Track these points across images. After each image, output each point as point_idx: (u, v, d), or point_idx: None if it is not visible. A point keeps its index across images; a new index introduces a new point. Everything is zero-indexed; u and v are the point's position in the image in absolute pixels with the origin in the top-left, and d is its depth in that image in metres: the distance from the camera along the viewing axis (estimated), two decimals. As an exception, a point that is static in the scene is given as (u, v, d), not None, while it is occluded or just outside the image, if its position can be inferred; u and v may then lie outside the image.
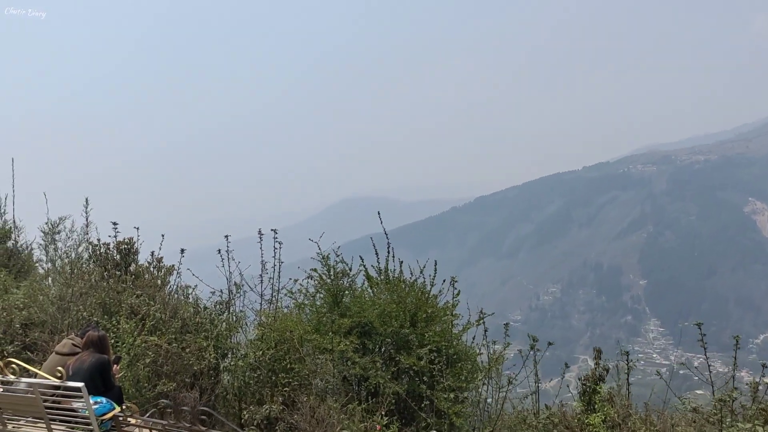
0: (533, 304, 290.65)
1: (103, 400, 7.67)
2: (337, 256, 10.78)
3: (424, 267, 10.79)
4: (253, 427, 8.15)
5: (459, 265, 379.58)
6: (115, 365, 8.32)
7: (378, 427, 8.16)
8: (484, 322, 10.43)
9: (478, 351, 10.43)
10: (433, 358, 9.45)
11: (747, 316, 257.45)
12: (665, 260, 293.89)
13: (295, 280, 11.44)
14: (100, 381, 8.06)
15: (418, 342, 9.75)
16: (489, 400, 10.02)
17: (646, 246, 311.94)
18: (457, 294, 10.69)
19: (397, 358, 9.65)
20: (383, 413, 8.84)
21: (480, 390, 10.23)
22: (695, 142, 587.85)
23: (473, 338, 10.73)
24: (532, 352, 10.12)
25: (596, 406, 7.55)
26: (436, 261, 10.65)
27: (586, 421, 7.82)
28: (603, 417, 7.48)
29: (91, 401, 7.27)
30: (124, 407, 7.71)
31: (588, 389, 7.72)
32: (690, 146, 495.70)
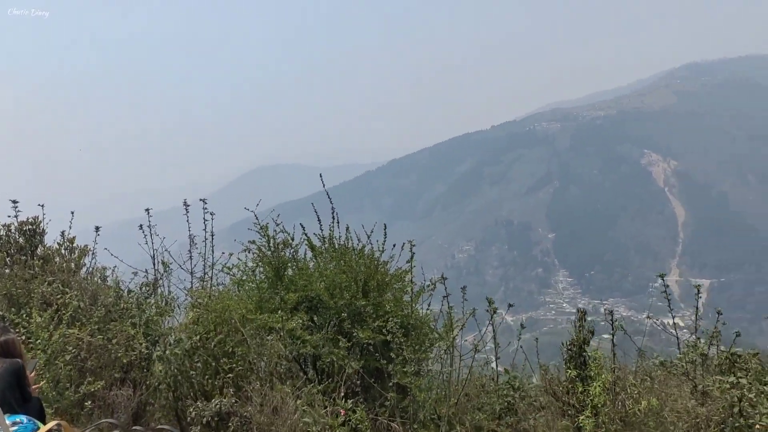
0: (449, 263, 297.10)
1: (23, 418, 5.93)
2: (277, 224, 9.71)
3: (372, 232, 9.94)
4: (202, 426, 7.08)
5: (376, 228, 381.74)
6: (30, 372, 6.67)
7: (342, 411, 7.35)
8: (436, 286, 9.78)
9: (433, 318, 9.75)
10: (390, 329, 8.68)
11: (646, 262, 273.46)
12: (571, 214, 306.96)
13: (230, 254, 10.31)
14: (17, 393, 6.35)
15: (374, 313, 8.93)
16: (450, 369, 9.38)
17: (553, 201, 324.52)
18: (411, 259, 9.68)
19: (353, 333, 8.82)
20: (342, 395, 8.04)
21: (441, 359, 9.60)
22: (595, 98, 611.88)
23: (428, 305, 10.05)
24: (488, 315, 9.63)
25: (592, 373, 7.06)
26: (385, 224, 9.81)
27: (584, 390, 7.34)
28: (602, 385, 7.02)
29: (8, 422, 5.61)
30: (54, 425, 5.93)
31: (574, 354, 7.23)
32: (590, 103, 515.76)
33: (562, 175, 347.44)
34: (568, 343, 7.56)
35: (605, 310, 9.00)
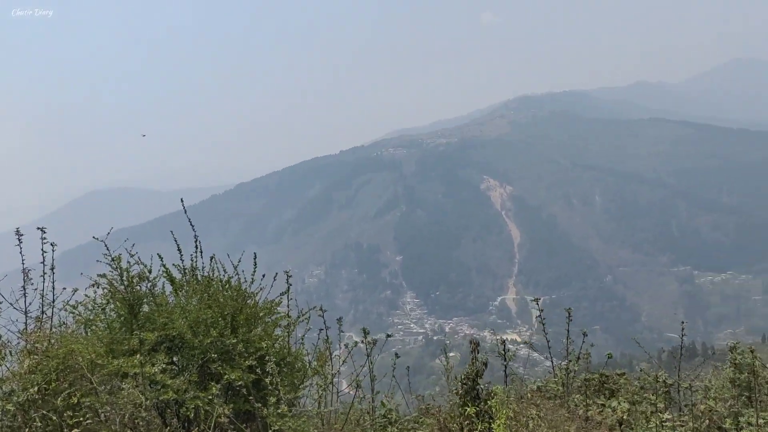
0: (299, 288, 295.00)
1: None
2: (132, 255, 8.61)
3: (239, 262, 9.14)
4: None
5: (222, 254, 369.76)
6: None
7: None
8: (309, 318, 9.13)
9: (305, 350, 9.12)
10: (262, 367, 7.94)
11: (487, 281, 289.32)
12: (417, 236, 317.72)
13: (75, 290, 9.01)
14: None
15: (245, 351, 8.15)
16: (323, 404, 8.77)
17: (400, 224, 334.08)
18: (287, 291, 9.49)
19: (222, 373, 7.97)
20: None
21: (314, 393, 8.96)
22: (438, 126, 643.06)
23: (302, 336, 9.44)
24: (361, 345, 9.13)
25: (492, 410, 6.76)
26: (255, 253, 9.03)
27: (485, 429, 7.04)
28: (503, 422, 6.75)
29: None
30: None
31: (469, 388, 6.93)
32: (434, 130, 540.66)
33: (408, 199, 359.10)
34: (462, 377, 7.26)
35: (499, 338, 8.97)
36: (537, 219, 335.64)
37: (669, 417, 7.68)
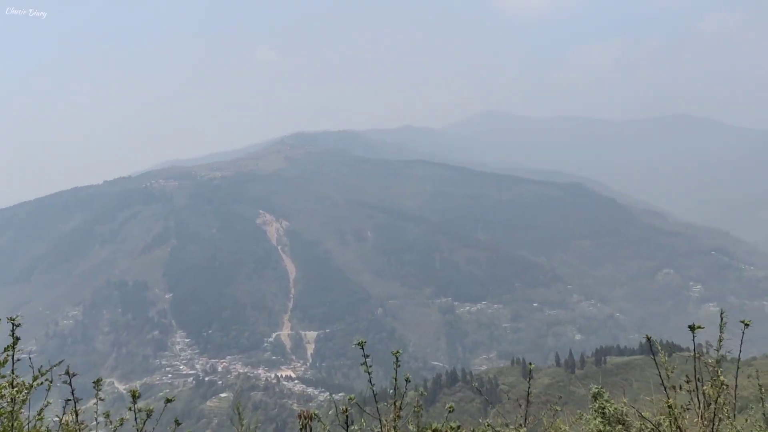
0: (51, 330, 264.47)
1: None
2: None
3: None
4: None
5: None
6: None
7: None
8: (50, 382, 6.67)
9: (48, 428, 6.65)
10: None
11: (262, 317, 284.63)
12: (189, 272, 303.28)
13: None
14: None
15: None
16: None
17: (170, 260, 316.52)
18: (15, 343, 6.77)
19: None
20: None
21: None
22: (213, 158, 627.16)
23: (40, 412, 6.85)
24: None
25: None
26: None
27: None
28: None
29: None
30: None
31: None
32: (209, 162, 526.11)
33: (180, 234, 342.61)
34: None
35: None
36: (312, 254, 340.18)
37: None
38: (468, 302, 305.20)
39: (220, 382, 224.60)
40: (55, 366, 6.90)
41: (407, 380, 7.39)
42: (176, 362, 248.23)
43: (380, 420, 7.34)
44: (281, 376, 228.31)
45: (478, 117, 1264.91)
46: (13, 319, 6.63)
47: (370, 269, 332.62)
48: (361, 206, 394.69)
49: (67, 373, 6.67)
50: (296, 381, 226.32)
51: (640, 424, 8.15)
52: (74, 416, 6.87)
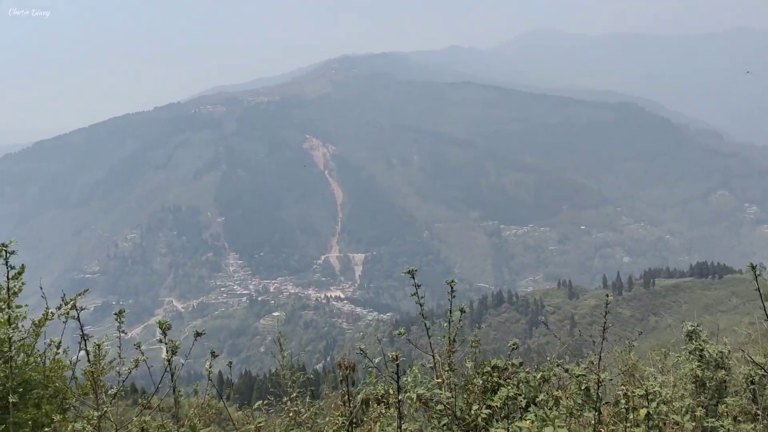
0: (111, 252, 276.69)
1: None
2: None
3: None
4: None
5: (20, 219, 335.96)
6: None
7: None
8: (76, 308, 6.07)
9: (68, 363, 6.50)
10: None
11: (310, 240, 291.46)
12: (239, 197, 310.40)
13: None
14: None
15: None
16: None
17: (221, 185, 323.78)
18: (19, 274, 6.35)
19: None
20: None
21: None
22: (259, 84, 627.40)
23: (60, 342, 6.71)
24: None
25: None
26: None
27: None
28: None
29: None
30: None
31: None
32: (255, 88, 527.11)
33: (229, 159, 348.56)
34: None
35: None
36: (359, 178, 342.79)
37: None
38: (514, 225, 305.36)
39: (273, 302, 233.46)
40: (79, 295, 6.59)
41: (462, 311, 6.67)
42: (230, 282, 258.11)
43: (433, 356, 6.69)
44: (330, 296, 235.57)
45: (527, 36, 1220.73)
46: (6, 246, 5.90)
47: (416, 193, 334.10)
48: (406, 130, 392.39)
49: (74, 307, 6.02)
50: (345, 301, 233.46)
51: (750, 370, 6.88)
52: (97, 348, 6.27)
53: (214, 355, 7.05)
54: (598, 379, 6.41)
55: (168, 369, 6.40)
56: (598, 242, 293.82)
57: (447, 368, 6.77)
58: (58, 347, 6.71)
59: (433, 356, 6.87)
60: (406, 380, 6.01)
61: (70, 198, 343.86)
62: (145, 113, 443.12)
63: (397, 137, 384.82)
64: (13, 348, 6.02)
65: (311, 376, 7.87)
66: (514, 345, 6.83)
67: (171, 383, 6.30)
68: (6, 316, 5.57)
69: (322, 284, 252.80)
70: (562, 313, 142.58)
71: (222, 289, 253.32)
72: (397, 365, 5.49)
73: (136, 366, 6.40)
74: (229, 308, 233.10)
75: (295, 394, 7.50)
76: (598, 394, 6.40)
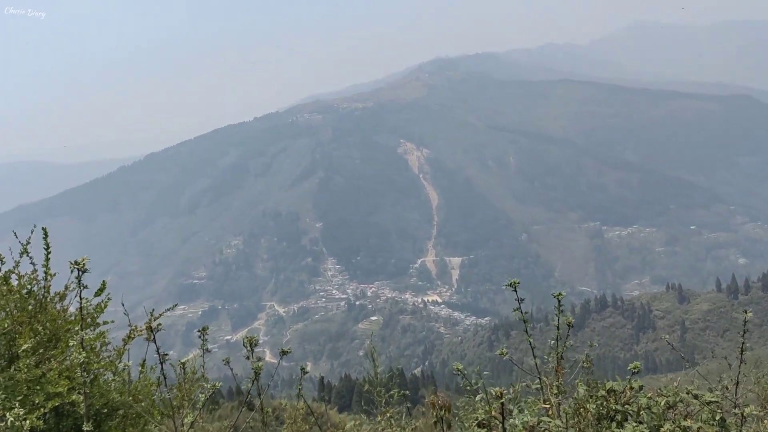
0: (217, 258, 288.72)
1: None
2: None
3: (28, 242, 5.93)
4: None
5: (134, 227, 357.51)
6: None
7: None
8: (155, 330, 5.63)
9: (156, 383, 6.07)
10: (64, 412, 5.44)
11: (406, 244, 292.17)
12: (336, 202, 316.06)
13: None
14: None
15: (32, 389, 5.14)
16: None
17: (318, 191, 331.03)
18: (101, 291, 6.08)
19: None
20: None
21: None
22: (353, 90, 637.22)
23: (143, 365, 6.23)
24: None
25: None
26: (45, 229, 5.60)
27: None
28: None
29: None
30: None
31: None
32: (350, 95, 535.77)
33: (326, 165, 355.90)
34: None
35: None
36: (454, 181, 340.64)
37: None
38: (618, 226, 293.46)
39: (370, 306, 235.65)
40: (169, 310, 6.40)
41: (569, 325, 5.80)
42: (329, 287, 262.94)
43: (540, 378, 5.81)
44: (428, 300, 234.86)
45: (627, 29, 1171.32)
46: (79, 263, 5.37)
47: (512, 195, 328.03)
48: (502, 131, 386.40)
49: (150, 328, 5.60)
50: (442, 305, 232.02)
51: None
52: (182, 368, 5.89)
53: (304, 372, 6.87)
54: (742, 416, 5.23)
55: (256, 384, 6.11)
56: (710, 243, 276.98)
57: (555, 391, 5.90)
58: (142, 366, 6.43)
59: (540, 378, 6.01)
60: (509, 397, 5.31)
61: (179, 207, 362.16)
62: (245, 124, 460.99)
63: (492, 138, 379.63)
64: (92, 372, 5.75)
65: (406, 392, 7.35)
66: (635, 368, 5.38)
67: (257, 390, 6.20)
68: (80, 338, 5.34)
69: (418, 288, 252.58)
70: (672, 318, 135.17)
71: (321, 293, 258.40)
72: (502, 404, 4.94)
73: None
74: (328, 312, 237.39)
75: (389, 415, 7.08)
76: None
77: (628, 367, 5.71)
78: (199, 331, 6.33)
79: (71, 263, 5.35)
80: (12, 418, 4.13)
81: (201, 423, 5.78)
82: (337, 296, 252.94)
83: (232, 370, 6.20)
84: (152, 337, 5.40)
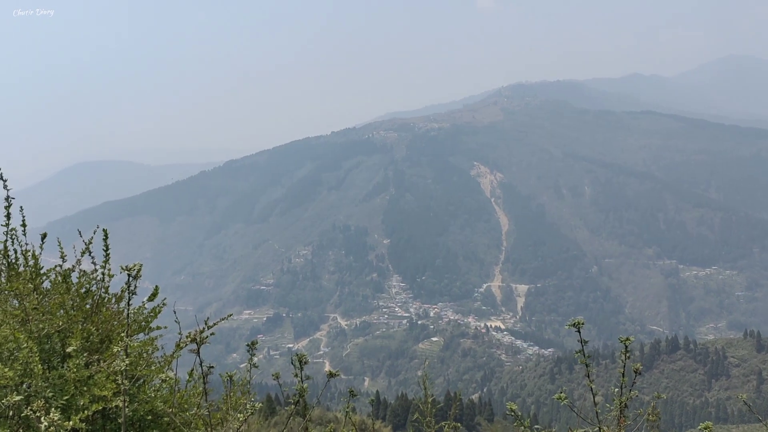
0: (285, 267, 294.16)
1: None
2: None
3: (91, 241, 6.13)
4: None
5: (210, 230, 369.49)
6: None
7: None
8: (201, 340, 5.50)
9: (199, 397, 6.21)
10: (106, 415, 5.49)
11: (473, 268, 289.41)
12: (405, 221, 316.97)
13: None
14: None
15: (82, 389, 5.23)
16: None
17: (388, 208, 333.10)
18: (154, 296, 6.19)
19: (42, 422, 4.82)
20: None
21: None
22: (430, 111, 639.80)
23: (191, 374, 6.51)
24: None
25: None
26: (105, 230, 5.63)
27: None
28: None
29: None
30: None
31: None
32: (427, 114, 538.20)
33: (398, 183, 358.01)
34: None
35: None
36: (526, 207, 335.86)
37: None
38: (695, 266, 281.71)
39: (432, 327, 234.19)
40: (223, 319, 6.47)
41: (637, 372, 5.44)
42: (392, 304, 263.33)
43: (600, 429, 5.56)
44: (490, 326, 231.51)
45: (718, 62, 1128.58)
46: (131, 269, 5.24)
47: (586, 226, 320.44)
48: (579, 160, 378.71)
49: (194, 339, 5.38)
50: (505, 332, 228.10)
51: None
52: (228, 380, 6.04)
53: (353, 394, 6.71)
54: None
55: (301, 399, 6.02)
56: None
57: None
58: (190, 375, 6.57)
59: (600, 429, 5.80)
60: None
61: (253, 214, 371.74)
62: (322, 137, 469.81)
63: (568, 167, 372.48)
64: (141, 378, 5.92)
65: (458, 425, 7.31)
66: (706, 428, 5.25)
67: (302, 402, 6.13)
68: (125, 345, 5.40)
69: (482, 313, 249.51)
70: (748, 366, 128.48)
71: (384, 309, 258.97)
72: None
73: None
74: (389, 329, 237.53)
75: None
76: None
77: (698, 427, 5.58)
78: (248, 345, 6.31)
79: (122, 267, 5.25)
80: (47, 423, 3.95)
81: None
82: (399, 314, 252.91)
83: (281, 386, 6.23)
84: (197, 350, 5.43)
